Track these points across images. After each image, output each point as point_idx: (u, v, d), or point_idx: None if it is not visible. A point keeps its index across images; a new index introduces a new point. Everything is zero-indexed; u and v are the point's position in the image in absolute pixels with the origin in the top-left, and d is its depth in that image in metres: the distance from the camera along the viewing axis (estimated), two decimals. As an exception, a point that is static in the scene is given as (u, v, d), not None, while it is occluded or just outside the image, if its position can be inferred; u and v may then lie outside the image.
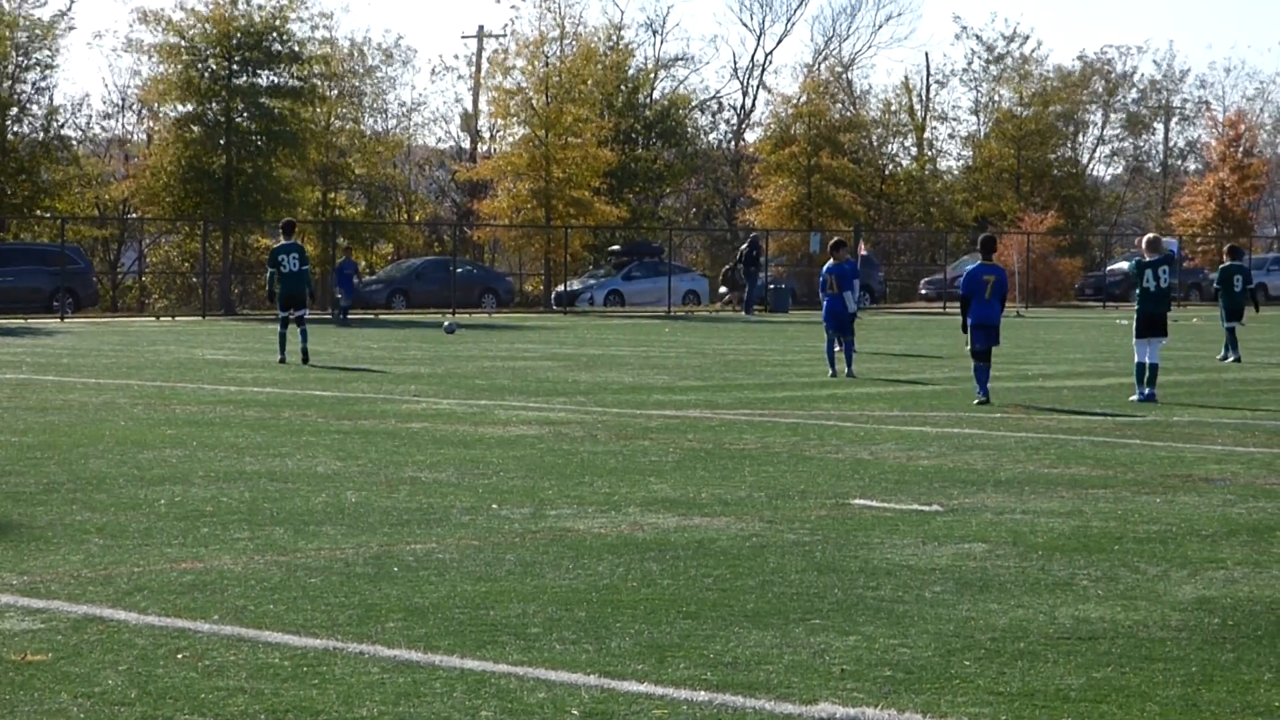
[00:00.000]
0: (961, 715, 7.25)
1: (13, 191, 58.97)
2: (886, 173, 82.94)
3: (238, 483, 13.99)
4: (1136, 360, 22.66)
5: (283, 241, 30.45)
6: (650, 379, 26.41)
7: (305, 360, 29.05)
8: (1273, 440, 18.28)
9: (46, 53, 60.19)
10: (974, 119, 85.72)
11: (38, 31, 59.50)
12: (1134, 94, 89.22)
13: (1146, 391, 22.37)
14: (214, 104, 58.71)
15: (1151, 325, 22.71)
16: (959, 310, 22.62)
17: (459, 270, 61.96)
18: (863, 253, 57.99)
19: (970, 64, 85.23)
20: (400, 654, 8.15)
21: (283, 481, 14.11)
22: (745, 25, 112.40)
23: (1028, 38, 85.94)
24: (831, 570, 10.38)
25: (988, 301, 21.85)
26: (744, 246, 62.05)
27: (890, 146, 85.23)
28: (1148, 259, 22.94)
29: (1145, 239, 23.85)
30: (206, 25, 58.34)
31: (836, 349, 26.86)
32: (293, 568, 10.32)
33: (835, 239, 28.35)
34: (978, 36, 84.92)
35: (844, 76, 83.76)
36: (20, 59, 59.58)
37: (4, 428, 18.30)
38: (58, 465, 15.07)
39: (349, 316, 50.99)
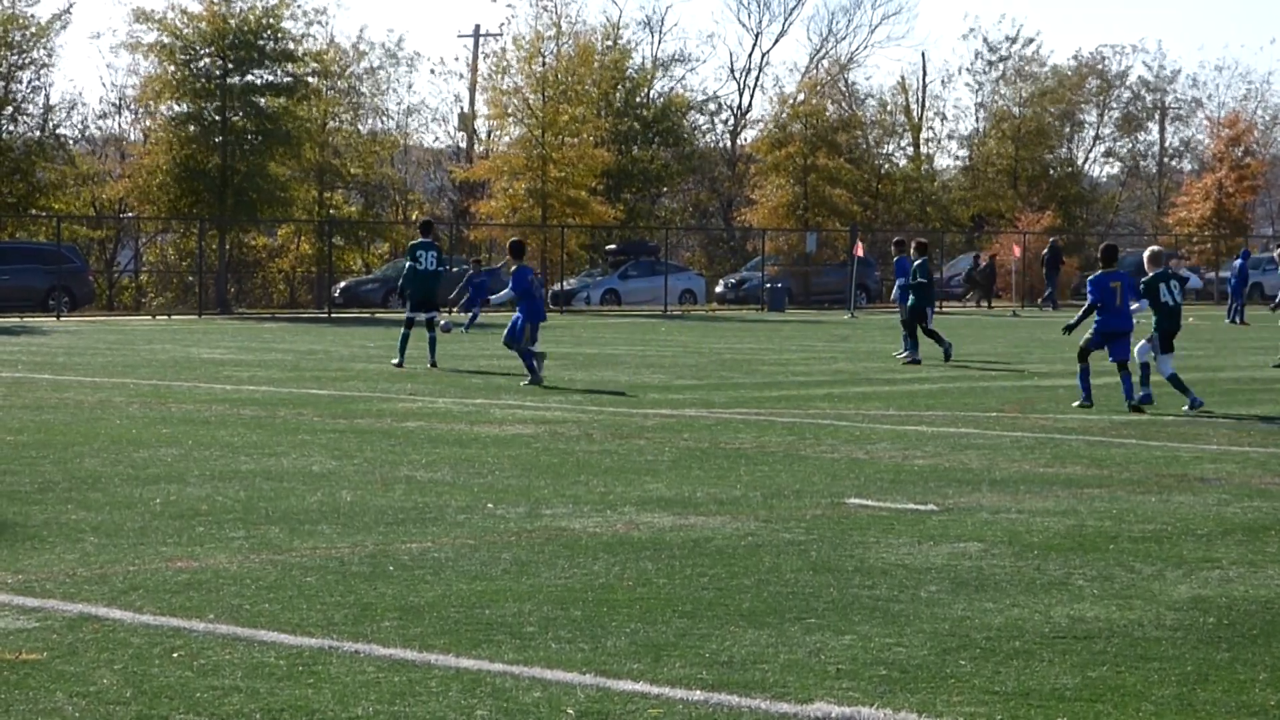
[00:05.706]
0: (957, 715, 7.25)
1: (8, 190, 58.91)
2: (883, 172, 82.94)
3: (233, 482, 13.98)
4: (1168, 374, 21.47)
5: (420, 239, 28.93)
6: (646, 378, 26.40)
7: (433, 364, 27.84)
8: (1267, 439, 18.29)
9: (43, 52, 60.18)
10: (972, 118, 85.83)
11: (33, 31, 59.42)
12: (1126, 94, 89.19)
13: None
14: (209, 103, 58.65)
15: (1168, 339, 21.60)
16: (1081, 314, 21.54)
17: (454, 269, 61.87)
18: (859, 254, 58.05)
19: (974, 62, 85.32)
20: (396, 653, 8.15)
21: (278, 480, 14.10)
22: (743, 24, 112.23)
23: (1031, 39, 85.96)
24: (827, 570, 10.38)
25: (1119, 309, 21.08)
26: (1045, 252, 67.17)
27: (887, 146, 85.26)
28: (1154, 273, 21.56)
29: (1149, 252, 22.29)
30: (200, 24, 58.27)
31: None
32: (288, 567, 10.31)
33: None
34: (984, 39, 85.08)
35: (842, 76, 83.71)
36: (16, 58, 59.50)
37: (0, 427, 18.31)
38: (53, 464, 15.05)
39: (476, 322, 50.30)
